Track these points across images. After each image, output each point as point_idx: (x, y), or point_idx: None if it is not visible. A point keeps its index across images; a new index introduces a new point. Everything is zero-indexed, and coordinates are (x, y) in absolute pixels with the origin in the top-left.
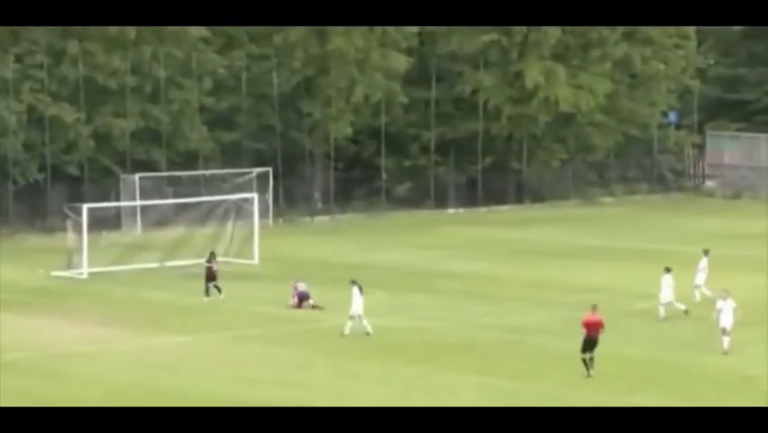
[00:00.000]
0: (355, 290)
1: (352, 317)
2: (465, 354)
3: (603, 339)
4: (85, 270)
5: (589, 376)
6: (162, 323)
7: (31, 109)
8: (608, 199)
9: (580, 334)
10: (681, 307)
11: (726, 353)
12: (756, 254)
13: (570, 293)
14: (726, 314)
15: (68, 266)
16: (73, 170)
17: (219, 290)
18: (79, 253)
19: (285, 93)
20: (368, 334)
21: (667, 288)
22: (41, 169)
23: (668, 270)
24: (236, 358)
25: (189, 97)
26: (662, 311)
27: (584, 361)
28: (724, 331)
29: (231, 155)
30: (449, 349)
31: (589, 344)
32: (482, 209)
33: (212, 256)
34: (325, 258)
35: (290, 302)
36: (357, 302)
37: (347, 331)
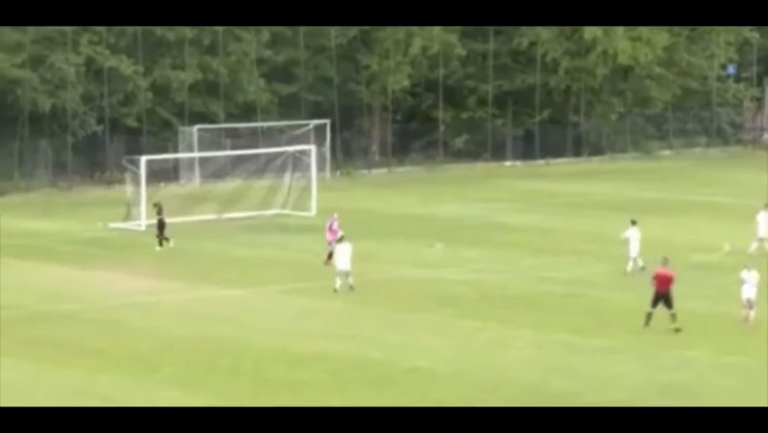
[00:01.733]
0: (344, 246)
1: (340, 273)
2: (522, 307)
3: None
4: (143, 222)
5: (647, 327)
6: (218, 275)
7: (89, 61)
8: (665, 153)
9: (648, 287)
10: (640, 263)
11: (747, 326)
12: None
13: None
14: (750, 285)
15: (127, 218)
16: (131, 123)
17: (164, 241)
18: (137, 205)
19: (342, 45)
20: (351, 288)
21: (634, 241)
22: (100, 121)
23: (633, 222)
24: (290, 311)
25: (247, 50)
26: (638, 263)
27: (648, 314)
28: (749, 303)
29: (288, 107)
30: (505, 302)
31: (659, 298)
32: (539, 162)
33: (160, 208)
34: (383, 211)
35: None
36: (344, 258)
37: (337, 286)
